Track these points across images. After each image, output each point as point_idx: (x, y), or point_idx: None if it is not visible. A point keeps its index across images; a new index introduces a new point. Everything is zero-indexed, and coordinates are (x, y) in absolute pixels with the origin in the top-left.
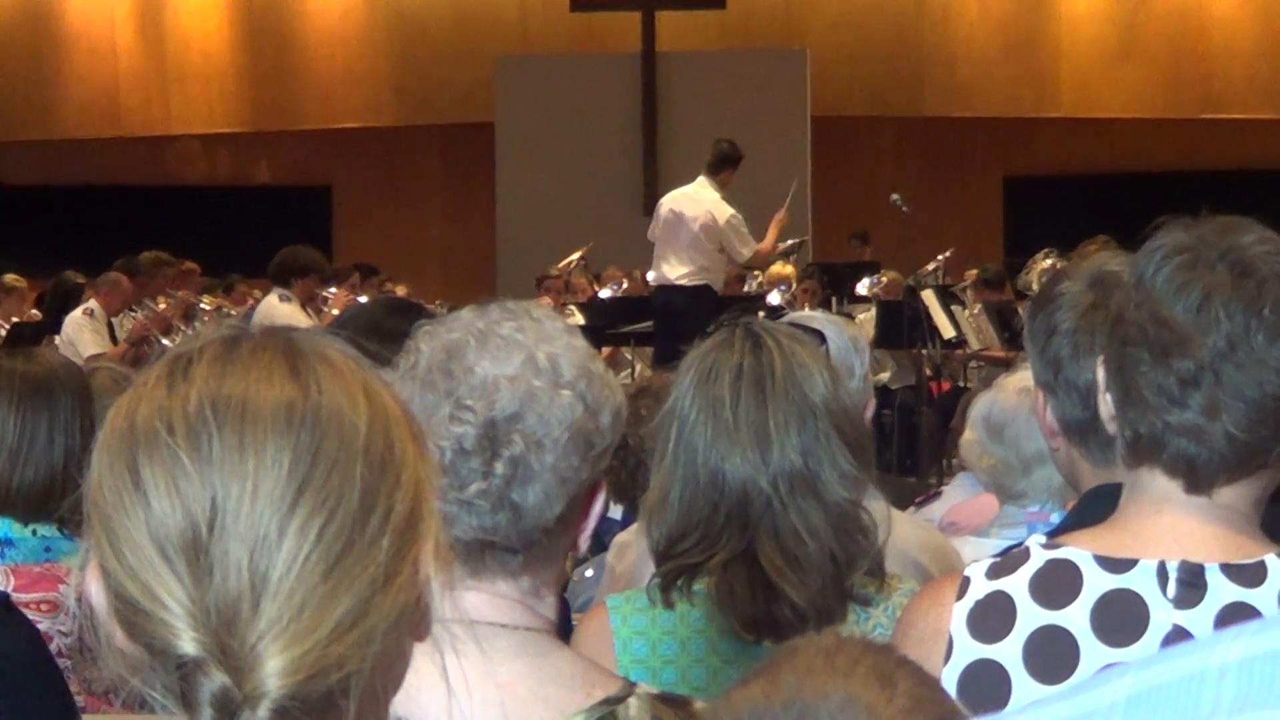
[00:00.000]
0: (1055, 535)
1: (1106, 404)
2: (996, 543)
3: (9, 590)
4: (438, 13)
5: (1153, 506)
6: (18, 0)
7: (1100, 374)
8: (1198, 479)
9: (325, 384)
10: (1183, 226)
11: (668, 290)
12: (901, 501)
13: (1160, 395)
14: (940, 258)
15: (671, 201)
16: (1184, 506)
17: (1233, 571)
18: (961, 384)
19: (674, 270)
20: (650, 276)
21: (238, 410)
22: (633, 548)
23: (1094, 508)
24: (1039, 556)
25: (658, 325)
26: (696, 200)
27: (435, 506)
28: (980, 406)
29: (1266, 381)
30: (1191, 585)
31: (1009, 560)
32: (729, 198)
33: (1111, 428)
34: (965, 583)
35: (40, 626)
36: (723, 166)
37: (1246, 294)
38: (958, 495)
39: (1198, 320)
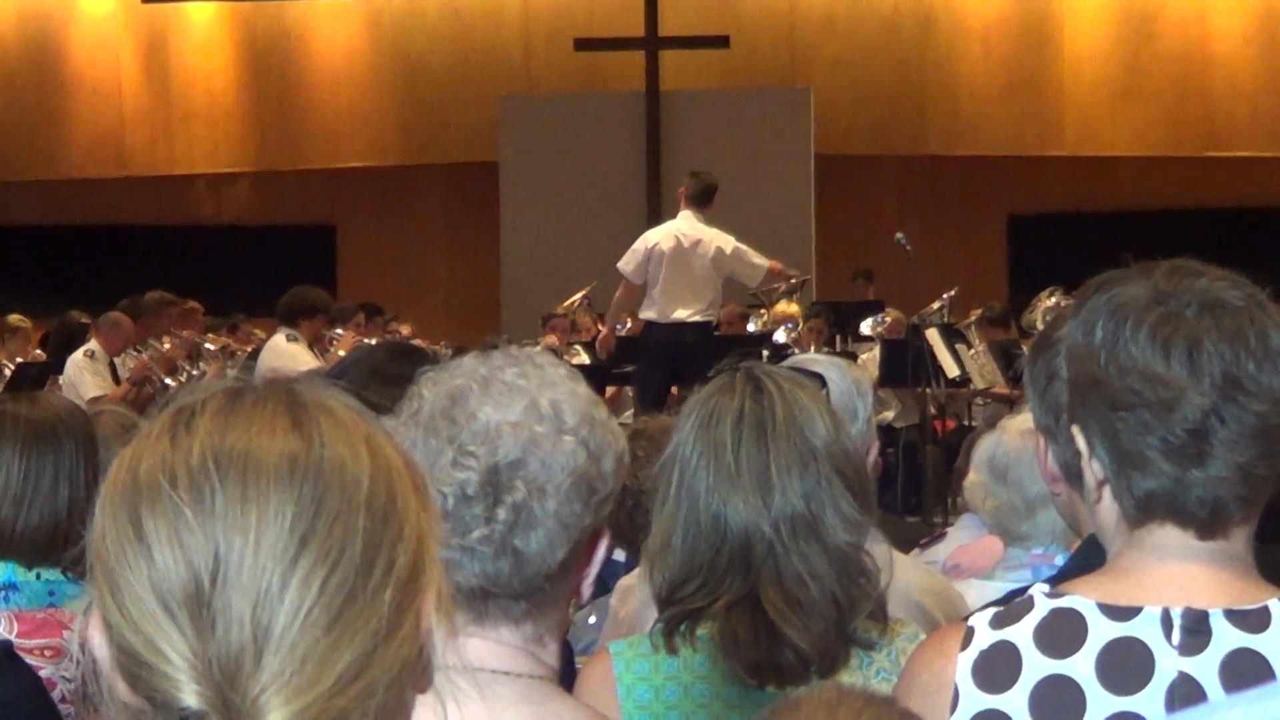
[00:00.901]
0: (1058, 582)
1: (1094, 471)
2: (1001, 586)
3: (12, 637)
4: (442, 53)
5: (1155, 554)
6: (23, 41)
7: (1080, 442)
8: (1215, 525)
9: (328, 436)
10: (1125, 280)
11: (673, 328)
12: (906, 543)
13: (1169, 451)
14: (945, 296)
15: (667, 238)
16: (1186, 553)
17: (1236, 617)
18: (966, 422)
19: (686, 307)
20: (648, 314)
21: (240, 463)
22: (636, 592)
23: (1097, 552)
24: (1043, 605)
25: (656, 363)
26: (696, 234)
27: (437, 558)
28: (983, 449)
29: (1270, 413)
30: (1196, 632)
31: (1013, 609)
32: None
33: (1097, 495)
34: (969, 633)
35: (43, 672)
36: (708, 197)
37: (1228, 331)
38: (962, 537)
39: (1192, 369)
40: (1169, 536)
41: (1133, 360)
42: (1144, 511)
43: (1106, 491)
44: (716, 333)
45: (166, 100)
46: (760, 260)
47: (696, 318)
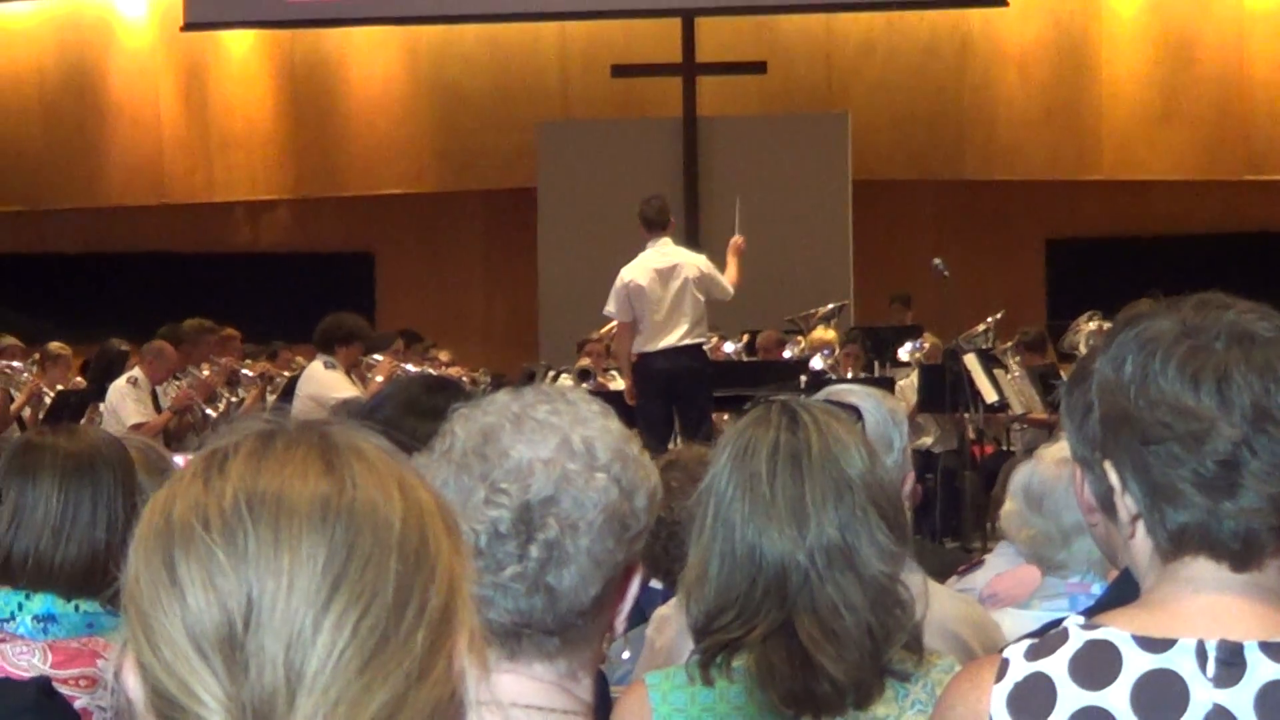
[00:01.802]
0: (1093, 614)
1: (1127, 506)
2: (1038, 615)
3: (47, 667)
4: (479, 79)
5: (1189, 587)
6: (63, 70)
7: (1112, 477)
8: (1248, 556)
9: (360, 479)
10: (1154, 315)
11: (666, 355)
12: (944, 570)
13: (1201, 484)
14: (990, 320)
15: (642, 272)
16: (1220, 585)
17: (1272, 649)
18: (1005, 447)
19: (676, 332)
20: (639, 347)
21: (273, 506)
22: (672, 622)
23: (1132, 585)
24: (1078, 637)
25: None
26: (671, 259)
27: (470, 599)
28: (1020, 477)
29: None
30: (1231, 664)
31: (1047, 641)
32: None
33: (1130, 529)
34: (1004, 664)
35: (78, 703)
36: (664, 217)
37: (1258, 363)
38: (1000, 564)
39: (1221, 401)
40: (1202, 569)
41: (1162, 394)
42: (1177, 544)
43: (1140, 526)
44: (752, 359)
45: (205, 128)
46: (729, 284)
47: (687, 341)
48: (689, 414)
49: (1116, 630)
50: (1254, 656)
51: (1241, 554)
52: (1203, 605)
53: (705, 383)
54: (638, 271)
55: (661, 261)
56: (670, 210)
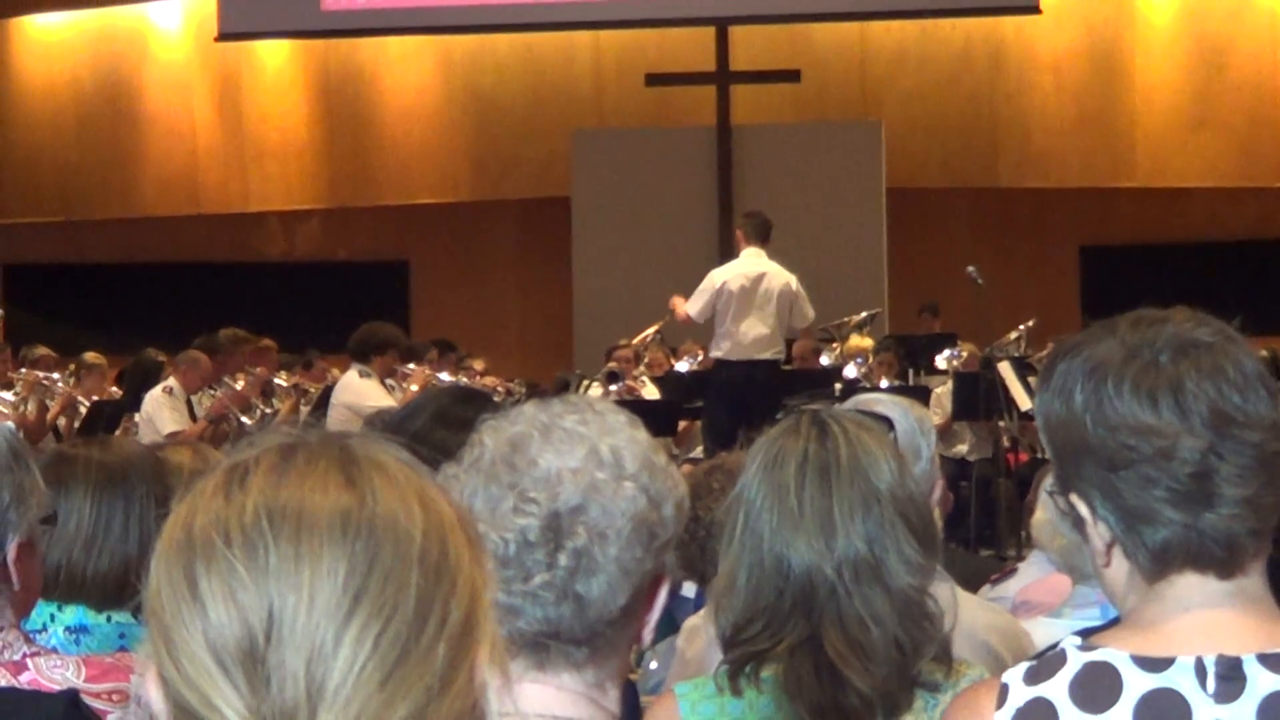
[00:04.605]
0: (1089, 634)
1: (1100, 534)
2: (1069, 623)
3: (80, 681)
4: (513, 88)
5: (1179, 605)
6: (98, 82)
7: (1082, 509)
8: (1233, 562)
9: (380, 492)
10: (1091, 342)
11: (744, 366)
12: (977, 578)
13: (1176, 499)
14: (1022, 327)
15: (736, 277)
16: (1210, 600)
17: (1270, 661)
18: (1039, 455)
19: (758, 344)
20: (719, 353)
21: (294, 520)
22: (702, 632)
23: None
24: (1076, 659)
25: (725, 401)
26: (767, 270)
27: (491, 610)
28: (1048, 486)
29: (1266, 439)
30: (1230, 679)
31: (1045, 664)
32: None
33: (1105, 558)
34: (1004, 690)
35: (110, 718)
36: (768, 233)
37: (1207, 369)
38: (1033, 572)
39: (1180, 413)
40: (1189, 586)
41: (1120, 417)
42: (1160, 563)
43: (1116, 552)
44: (787, 367)
45: (240, 139)
46: (810, 310)
47: (767, 355)
48: (756, 425)
49: (1115, 650)
50: (1253, 669)
51: (1226, 560)
52: (1195, 622)
53: (777, 398)
54: (731, 275)
55: (752, 269)
56: (770, 226)
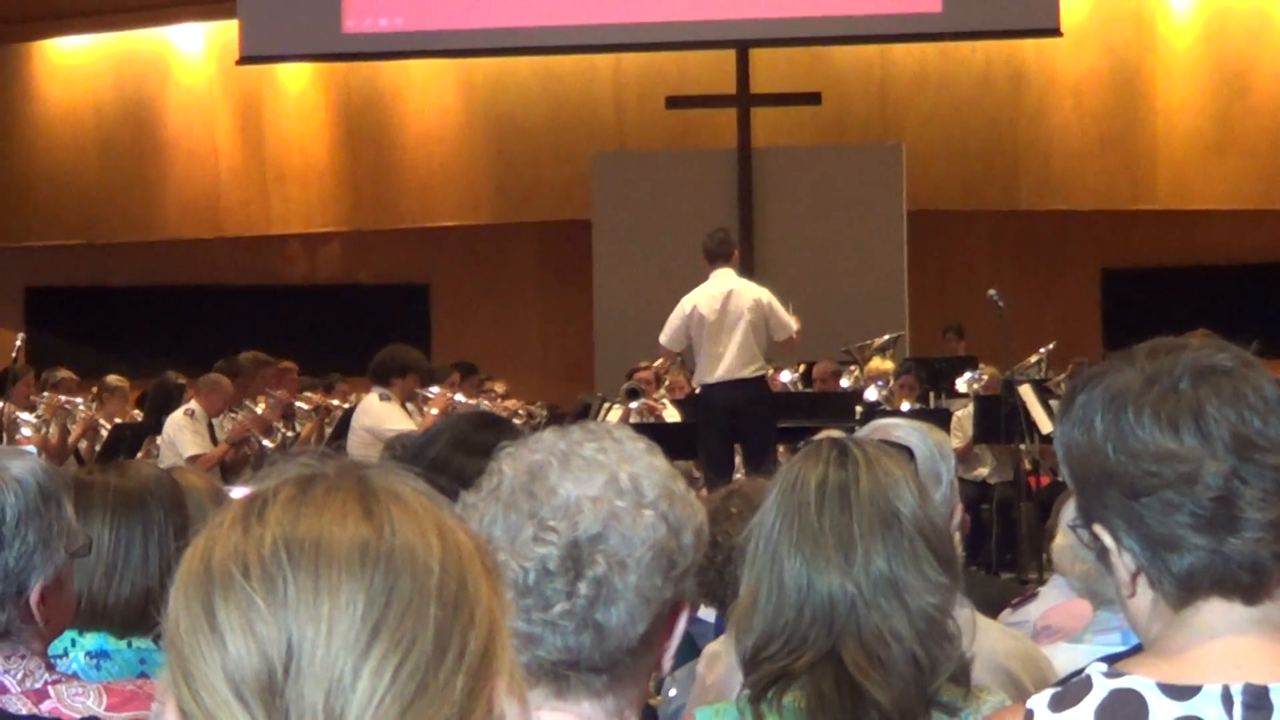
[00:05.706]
0: (1115, 661)
1: (1125, 564)
2: (1090, 649)
3: (101, 710)
4: (534, 111)
5: (1205, 633)
6: (120, 105)
7: (1106, 539)
8: (1258, 587)
9: (398, 524)
10: (1110, 371)
11: (728, 387)
12: (998, 602)
13: (1200, 524)
14: (1042, 350)
15: (708, 299)
16: (1235, 628)
17: None
18: (1060, 478)
19: (744, 363)
20: (703, 377)
21: (312, 552)
22: (723, 658)
23: None
24: (1102, 686)
25: (715, 425)
26: (734, 288)
27: (509, 640)
28: (1070, 511)
29: None
30: (1257, 707)
31: (1071, 690)
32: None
33: (1130, 588)
34: (1029, 716)
35: None
36: (730, 250)
37: (1227, 394)
38: (1054, 596)
39: (1202, 439)
40: (1215, 613)
41: (1142, 444)
42: (1186, 590)
43: (1141, 582)
44: (808, 390)
45: (261, 162)
46: (789, 318)
47: (748, 372)
48: (751, 445)
49: (1141, 678)
50: (1279, 699)
51: (1252, 585)
52: (1222, 650)
53: (768, 414)
54: (700, 299)
55: (719, 289)
56: (733, 242)
